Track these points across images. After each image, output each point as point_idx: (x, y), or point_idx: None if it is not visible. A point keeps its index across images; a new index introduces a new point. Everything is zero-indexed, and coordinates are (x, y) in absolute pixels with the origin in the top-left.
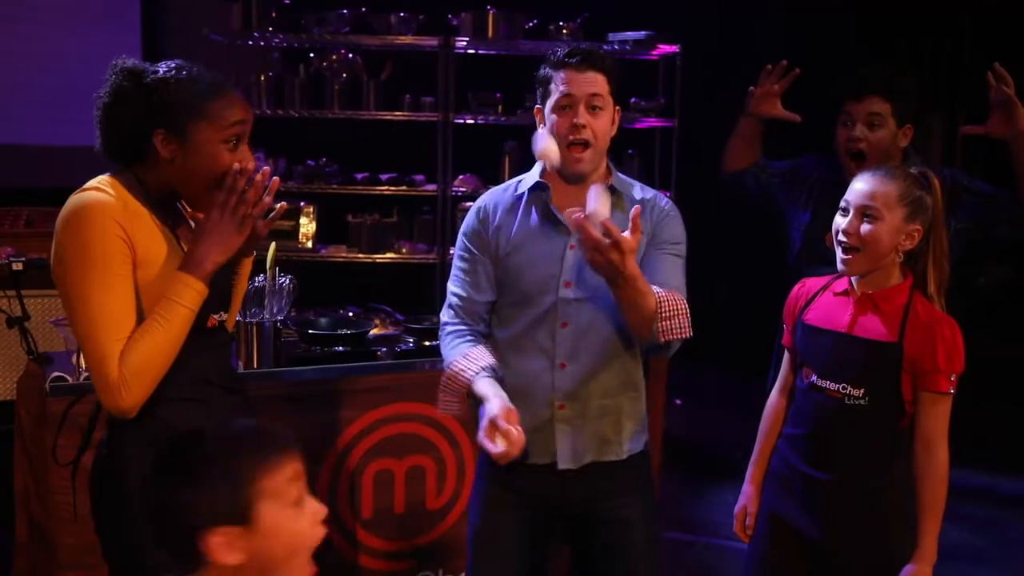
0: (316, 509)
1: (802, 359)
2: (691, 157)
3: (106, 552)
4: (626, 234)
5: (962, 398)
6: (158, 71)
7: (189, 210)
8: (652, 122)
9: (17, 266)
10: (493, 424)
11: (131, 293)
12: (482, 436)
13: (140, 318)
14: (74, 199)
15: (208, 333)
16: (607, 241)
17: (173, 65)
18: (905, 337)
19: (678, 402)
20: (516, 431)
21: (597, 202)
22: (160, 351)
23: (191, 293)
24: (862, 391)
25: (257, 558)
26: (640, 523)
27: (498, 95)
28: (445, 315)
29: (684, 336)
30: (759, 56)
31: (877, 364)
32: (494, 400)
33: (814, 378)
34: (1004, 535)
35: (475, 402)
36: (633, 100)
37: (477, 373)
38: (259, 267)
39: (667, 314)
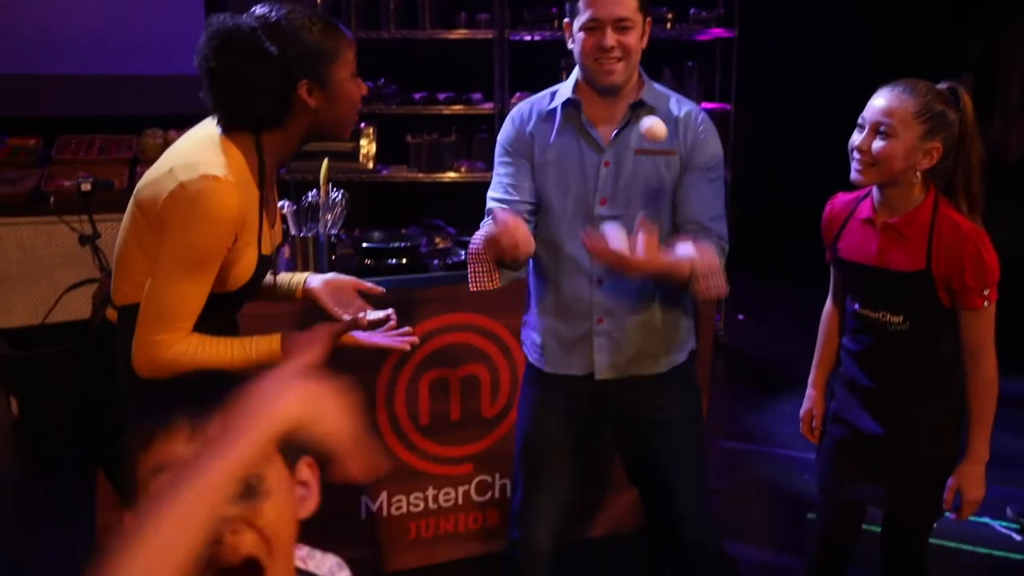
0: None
1: (844, 287)
2: (752, 69)
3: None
4: (639, 241)
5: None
6: (278, 21)
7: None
8: (713, 33)
9: (85, 187)
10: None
11: (209, 287)
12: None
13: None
14: (196, 187)
15: (241, 304)
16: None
17: (285, 13)
18: (932, 261)
19: (740, 317)
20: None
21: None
22: (208, 365)
23: (268, 353)
24: (901, 317)
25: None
26: (682, 424)
27: (554, 10)
28: (486, 219)
29: (720, 294)
30: None
31: (910, 292)
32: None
33: (856, 306)
34: None
35: (507, 272)
36: (693, 11)
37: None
38: (312, 183)
39: (702, 275)
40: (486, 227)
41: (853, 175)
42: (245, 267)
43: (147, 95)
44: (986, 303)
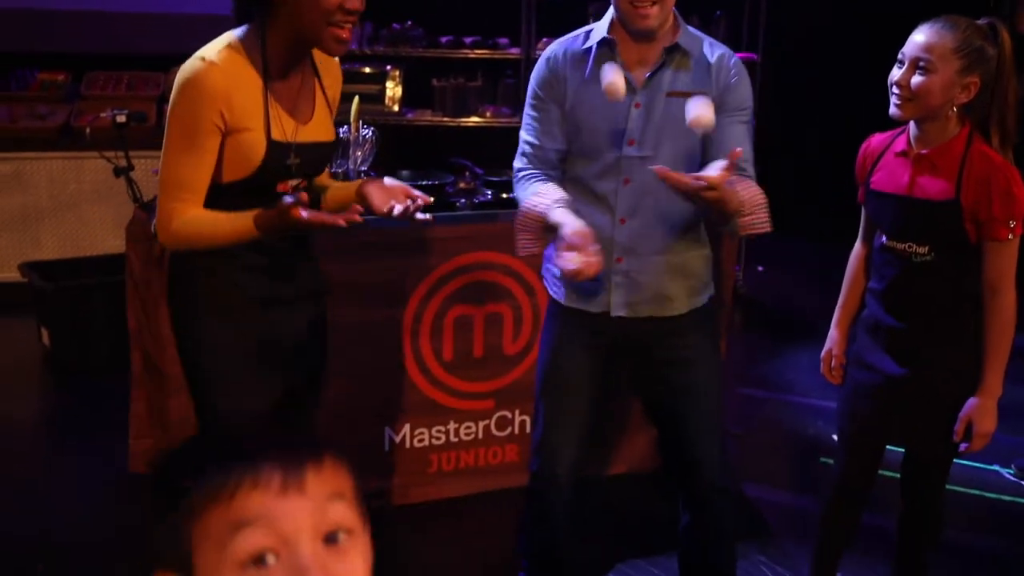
0: None
1: (873, 221)
2: (781, 20)
3: (180, 348)
4: (715, 173)
5: None
6: None
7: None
8: None
9: (121, 119)
10: (567, 243)
11: (206, 162)
12: (556, 255)
13: (217, 178)
14: (187, 66)
15: (278, 195)
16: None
17: None
18: (961, 191)
19: (760, 269)
20: (592, 250)
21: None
22: (205, 238)
23: (245, 228)
24: (927, 248)
25: None
26: (700, 365)
27: None
28: (518, 162)
29: (765, 230)
30: None
31: (938, 222)
32: (569, 222)
33: (884, 239)
34: None
35: (552, 237)
36: None
37: (550, 205)
38: (343, 120)
39: (749, 209)
40: (552, 196)
41: (892, 110)
42: (251, 150)
43: (175, 33)
44: (1011, 235)
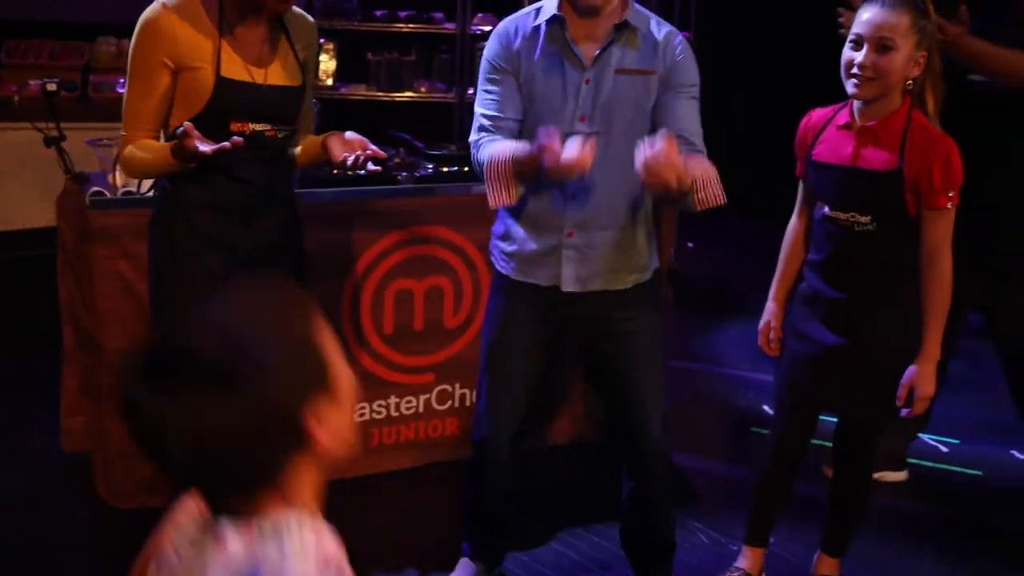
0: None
1: (814, 193)
2: None
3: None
4: (660, 146)
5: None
6: None
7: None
8: None
9: (51, 87)
10: (545, 143)
11: (155, 95)
12: (544, 152)
13: (172, 112)
14: (146, 10)
15: (232, 133)
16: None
17: None
18: (904, 162)
19: (690, 245)
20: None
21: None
22: (145, 162)
23: (164, 157)
24: (868, 218)
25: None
26: (644, 337)
27: None
28: (475, 135)
29: (719, 204)
30: None
31: (881, 192)
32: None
33: (826, 210)
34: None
35: (522, 185)
36: None
37: (515, 148)
38: None
39: (701, 185)
40: (513, 145)
41: (851, 90)
42: (200, 86)
43: (99, 2)
44: (949, 204)
